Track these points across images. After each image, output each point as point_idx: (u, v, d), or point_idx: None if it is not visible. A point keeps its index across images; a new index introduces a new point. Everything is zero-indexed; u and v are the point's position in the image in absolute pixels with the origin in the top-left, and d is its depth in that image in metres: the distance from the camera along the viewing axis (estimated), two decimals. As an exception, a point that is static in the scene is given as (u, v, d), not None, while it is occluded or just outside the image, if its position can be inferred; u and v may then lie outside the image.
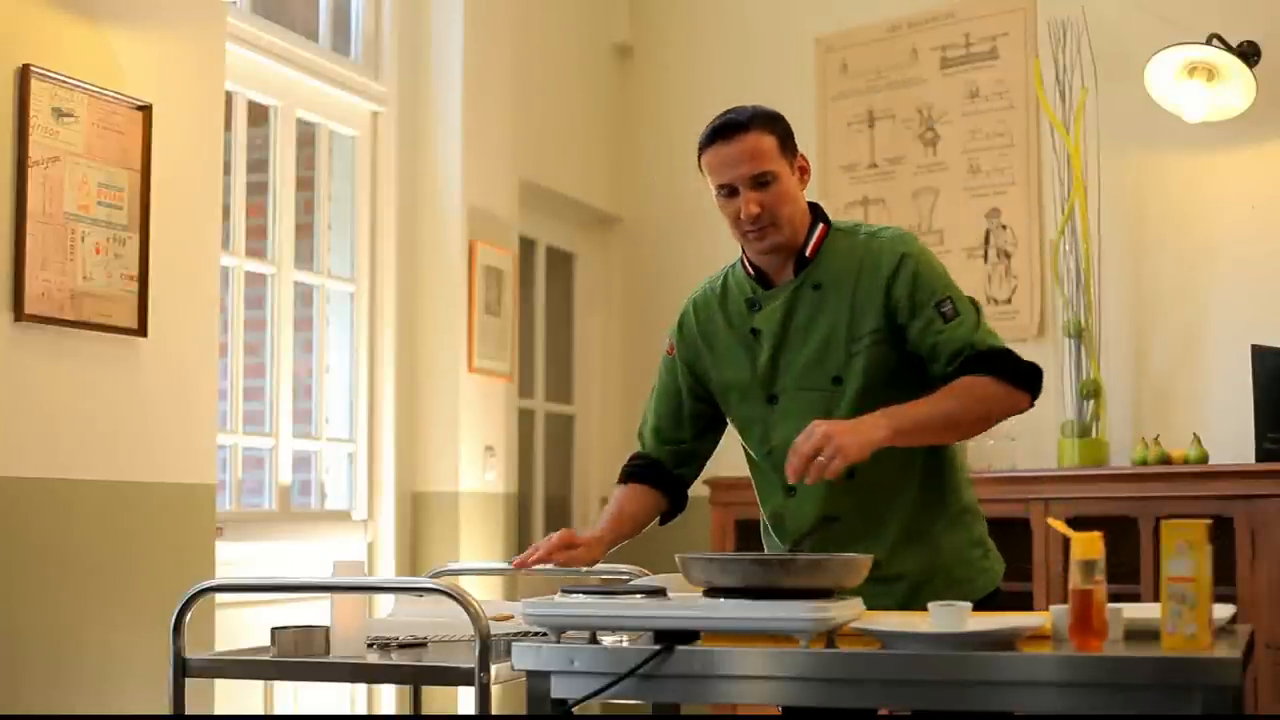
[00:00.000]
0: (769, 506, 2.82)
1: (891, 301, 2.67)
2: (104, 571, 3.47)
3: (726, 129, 2.69)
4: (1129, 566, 4.44)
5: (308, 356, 4.77)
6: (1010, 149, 5.36)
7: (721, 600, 2.24)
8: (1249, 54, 4.81)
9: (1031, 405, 2.69)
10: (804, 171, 2.76)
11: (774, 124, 2.72)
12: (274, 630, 2.84)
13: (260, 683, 4.18)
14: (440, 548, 4.87)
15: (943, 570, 2.70)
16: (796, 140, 2.75)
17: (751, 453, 2.83)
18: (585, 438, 6.14)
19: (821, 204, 2.84)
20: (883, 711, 2.44)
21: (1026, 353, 2.74)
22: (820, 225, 2.76)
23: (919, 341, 2.66)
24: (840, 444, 2.43)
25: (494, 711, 3.50)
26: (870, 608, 2.42)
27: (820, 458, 2.43)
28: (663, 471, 2.90)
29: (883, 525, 2.68)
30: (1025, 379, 2.65)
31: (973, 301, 2.71)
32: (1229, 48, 4.79)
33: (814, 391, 2.70)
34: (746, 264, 2.81)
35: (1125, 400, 5.06)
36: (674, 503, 2.92)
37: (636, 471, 2.91)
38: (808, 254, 2.74)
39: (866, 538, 2.63)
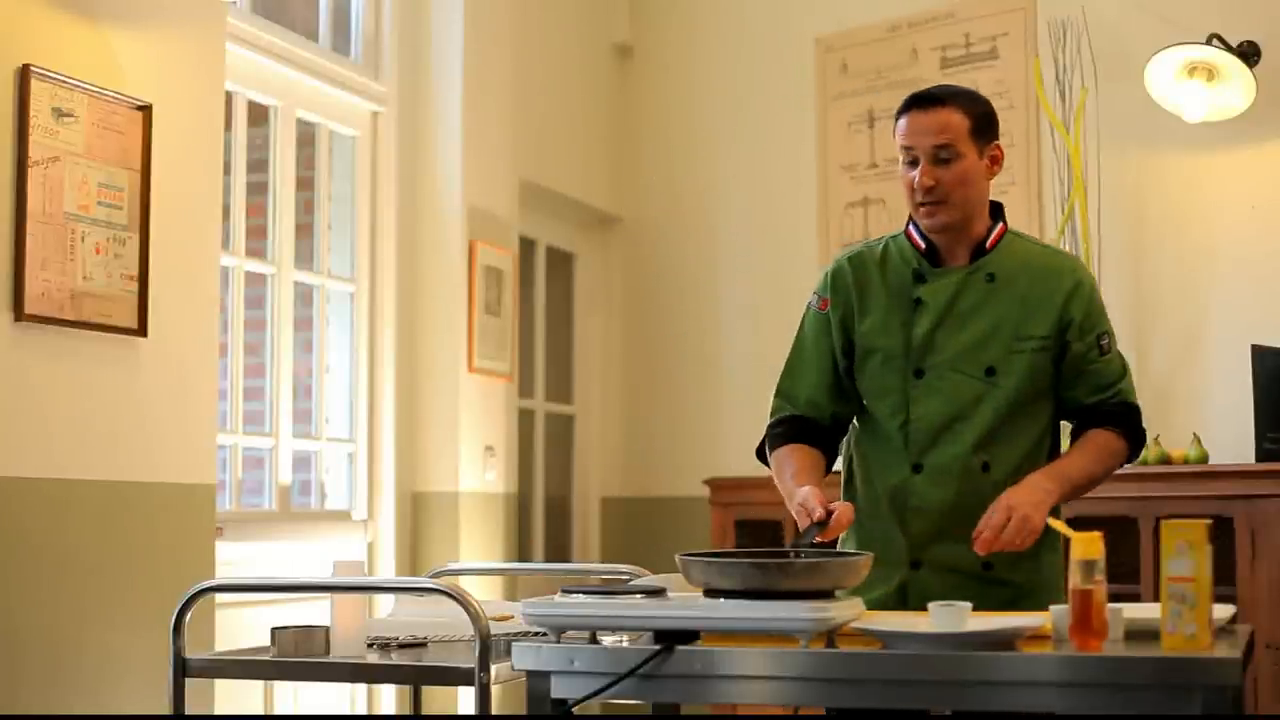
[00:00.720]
0: (889, 480, 2.75)
1: (1065, 317, 2.73)
2: (103, 571, 3.47)
3: (925, 99, 2.72)
4: (1129, 566, 4.44)
5: (308, 356, 4.77)
6: (1010, 149, 5.32)
7: (721, 600, 2.24)
8: (1249, 54, 4.81)
9: None
10: (994, 161, 2.75)
11: (973, 105, 2.74)
12: (274, 630, 2.84)
13: (260, 683, 4.18)
14: (440, 548, 4.87)
15: (1040, 588, 2.72)
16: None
17: (881, 422, 2.77)
18: (585, 438, 6.13)
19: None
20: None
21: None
22: (1000, 224, 2.79)
23: (1074, 362, 2.74)
24: (1034, 525, 2.55)
25: (494, 711, 3.50)
26: (978, 608, 2.39)
27: (1017, 539, 2.54)
28: (815, 428, 2.82)
29: None
30: (1140, 443, 2.79)
31: (1121, 356, 2.80)
32: (1229, 48, 4.78)
33: (965, 376, 2.71)
34: (915, 237, 2.80)
35: (1125, 400, 5.05)
36: (830, 459, 2.85)
37: (791, 434, 2.81)
38: (987, 245, 2.76)
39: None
